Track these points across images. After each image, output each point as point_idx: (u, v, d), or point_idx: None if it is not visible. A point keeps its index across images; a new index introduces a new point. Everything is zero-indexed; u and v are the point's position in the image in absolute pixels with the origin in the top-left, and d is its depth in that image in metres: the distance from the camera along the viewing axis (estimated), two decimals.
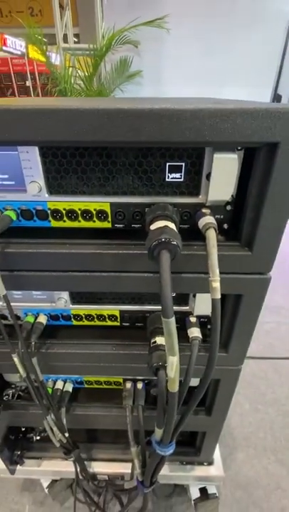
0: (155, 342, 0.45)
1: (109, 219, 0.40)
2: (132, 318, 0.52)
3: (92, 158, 0.37)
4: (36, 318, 0.50)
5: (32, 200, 0.39)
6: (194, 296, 0.47)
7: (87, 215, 0.40)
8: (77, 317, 0.51)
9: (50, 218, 0.40)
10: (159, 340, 0.45)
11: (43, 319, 0.50)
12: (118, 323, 0.52)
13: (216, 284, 0.33)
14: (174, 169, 0.37)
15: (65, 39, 2.52)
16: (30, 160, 0.36)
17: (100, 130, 0.31)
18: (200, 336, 0.47)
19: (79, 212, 0.40)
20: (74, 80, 2.28)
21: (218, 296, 0.33)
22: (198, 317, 0.49)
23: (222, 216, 0.40)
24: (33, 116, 0.31)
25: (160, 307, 0.49)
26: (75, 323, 0.52)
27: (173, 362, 0.32)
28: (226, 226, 0.40)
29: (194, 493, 0.77)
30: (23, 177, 0.37)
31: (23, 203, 0.39)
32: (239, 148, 0.35)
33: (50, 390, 0.58)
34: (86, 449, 0.72)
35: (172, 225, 0.34)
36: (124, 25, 2.10)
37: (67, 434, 0.59)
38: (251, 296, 0.42)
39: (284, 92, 2.68)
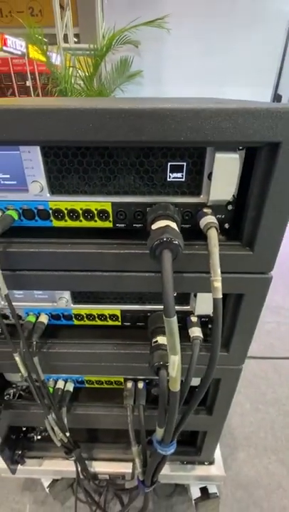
0: (156, 341, 0.45)
1: (111, 219, 0.40)
2: (133, 317, 0.52)
3: (94, 158, 0.37)
4: (38, 317, 0.50)
5: (34, 199, 0.39)
6: (195, 295, 0.47)
7: (88, 214, 0.40)
8: (79, 317, 0.52)
9: (52, 218, 0.40)
10: (160, 339, 0.45)
11: (44, 319, 0.50)
12: (119, 323, 0.52)
13: (218, 284, 0.33)
14: (176, 169, 0.37)
15: (66, 39, 2.52)
16: (32, 160, 0.36)
17: (101, 130, 0.31)
18: (201, 335, 0.47)
19: (80, 212, 0.40)
20: (74, 79, 2.28)
21: (220, 295, 0.33)
22: (199, 317, 0.49)
23: (223, 216, 0.40)
24: (35, 116, 0.31)
25: (161, 307, 0.49)
26: (76, 322, 0.52)
27: (175, 361, 0.32)
28: (227, 226, 0.40)
29: (195, 492, 0.77)
30: (24, 177, 0.37)
31: (25, 202, 0.39)
32: (240, 148, 0.35)
33: (51, 390, 0.58)
34: (87, 448, 0.72)
35: (174, 225, 0.34)
36: (124, 25, 2.10)
37: (68, 434, 0.59)
38: (252, 295, 0.42)
39: (284, 92, 2.68)
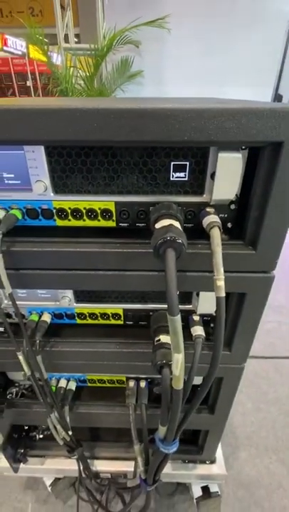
0: (159, 340, 0.45)
1: (114, 218, 0.41)
2: (135, 316, 0.52)
3: (97, 158, 0.37)
4: (40, 316, 0.50)
5: (37, 199, 0.39)
6: (198, 294, 0.47)
7: (92, 214, 0.40)
8: (81, 316, 0.52)
9: (56, 217, 0.41)
10: (163, 338, 0.45)
11: (47, 318, 0.50)
12: (122, 322, 0.53)
13: (221, 283, 0.33)
14: (179, 168, 0.37)
15: (66, 39, 2.52)
16: (36, 159, 0.36)
17: (105, 130, 0.32)
18: (203, 334, 0.47)
19: (84, 211, 0.40)
20: (75, 80, 2.28)
21: (223, 294, 0.33)
22: (202, 316, 0.49)
23: (226, 215, 0.40)
24: (39, 115, 0.32)
25: (163, 306, 0.50)
26: (78, 321, 0.52)
27: (178, 359, 0.32)
28: (229, 225, 0.41)
29: (196, 491, 0.77)
30: (28, 176, 0.38)
31: (29, 202, 0.40)
32: (243, 147, 0.35)
33: (53, 389, 0.59)
34: (89, 447, 0.72)
35: (177, 224, 0.34)
36: (125, 25, 2.11)
37: (70, 432, 0.59)
38: (255, 294, 0.42)
39: (285, 92, 2.68)
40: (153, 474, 0.53)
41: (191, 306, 0.50)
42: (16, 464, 0.69)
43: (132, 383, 0.59)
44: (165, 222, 0.34)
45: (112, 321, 0.52)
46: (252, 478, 0.91)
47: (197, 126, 0.31)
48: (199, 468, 0.73)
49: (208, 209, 0.38)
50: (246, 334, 0.47)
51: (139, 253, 0.40)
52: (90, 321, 0.52)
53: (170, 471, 0.72)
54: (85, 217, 0.41)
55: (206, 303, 0.47)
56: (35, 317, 0.50)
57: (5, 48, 4.78)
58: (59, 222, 0.41)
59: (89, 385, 0.63)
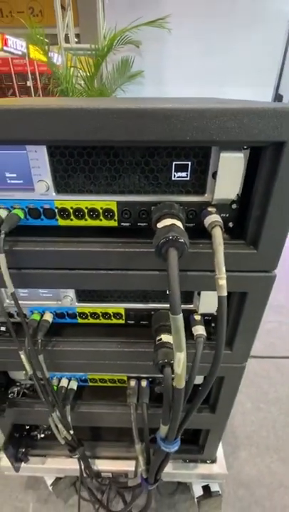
0: (160, 339, 0.45)
1: (116, 217, 0.41)
2: (136, 316, 0.52)
3: (99, 158, 0.37)
4: (42, 316, 0.50)
5: (40, 198, 0.39)
6: (199, 294, 0.48)
7: (93, 213, 0.40)
8: (83, 315, 0.52)
9: (58, 217, 0.41)
10: (165, 337, 0.45)
11: (49, 317, 0.50)
12: (123, 321, 0.53)
13: (223, 282, 0.33)
14: (180, 168, 0.38)
15: (66, 39, 2.52)
16: (39, 159, 0.37)
17: (107, 129, 0.32)
18: (204, 333, 0.47)
19: (86, 210, 0.40)
20: (75, 80, 2.29)
21: (225, 293, 0.33)
22: (203, 315, 0.50)
23: (227, 215, 0.40)
24: (42, 115, 0.32)
25: (165, 305, 0.50)
26: (80, 321, 0.53)
27: (180, 358, 0.32)
28: (231, 225, 0.41)
29: (197, 490, 0.78)
30: (31, 176, 0.38)
31: (31, 201, 0.40)
32: (245, 147, 0.35)
33: (55, 388, 0.59)
34: (90, 446, 0.72)
35: (179, 223, 0.34)
36: (125, 25, 2.11)
37: (72, 432, 0.59)
38: (256, 293, 0.42)
39: (285, 92, 2.68)
40: (154, 473, 0.53)
41: (192, 305, 0.50)
42: (18, 463, 0.69)
43: (133, 382, 0.59)
44: (167, 221, 0.34)
45: (114, 321, 0.53)
46: (253, 477, 0.91)
47: (199, 126, 0.31)
48: (200, 468, 0.73)
49: (209, 208, 0.38)
50: (247, 333, 0.48)
51: (140, 252, 0.40)
52: (91, 321, 0.53)
53: (171, 471, 0.72)
54: (86, 216, 0.41)
55: (208, 302, 0.47)
56: (37, 316, 0.50)
57: (5, 48, 4.79)
58: (61, 222, 0.41)
59: (90, 384, 0.64)
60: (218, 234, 0.34)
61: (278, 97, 2.65)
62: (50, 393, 0.52)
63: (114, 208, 0.40)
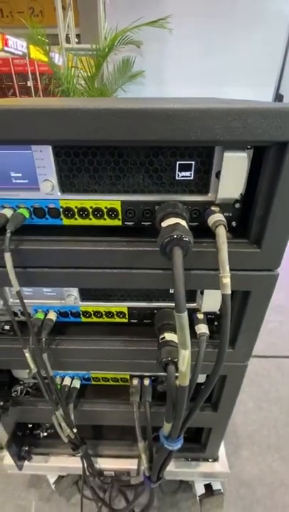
0: (164, 338, 0.46)
1: (120, 217, 0.41)
2: (140, 315, 0.53)
3: (104, 157, 0.38)
4: (46, 315, 0.51)
5: (45, 198, 0.40)
6: (202, 293, 0.48)
7: (98, 213, 0.41)
8: (86, 314, 0.52)
9: (62, 216, 0.41)
10: (168, 336, 0.46)
11: (52, 316, 0.50)
12: (126, 320, 0.53)
13: (227, 280, 0.33)
14: (184, 168, 0.38)
15: (67, 39, 2.53)
16: (44, 159, 0.37)
17: (113, 129, 0.32)
18: (207, 332, 0.47)
19: (90, 210, 0.41)
20: (76, 80, 2.29)
21: (229, 291, 0.34)
22: (206, 314, 0.50)
23: (230, 214, 0.40)
24: (48, 115, 0.32)
25: (168, 304, 0.51)
26: (83, 320, 0.53)
27: (185, 355, 0.32)
28: (234, 224, 0.41)
29: (199, 489, 0.78)
30: (36, 176, 0.38)
31: (36, 201, 0.40)
32: (249, 147, 0.36)
33: (58, 387, 0.59)
34: (92, 445, 0.73)
35: (183, 223, 0.35)
36: (126, 25, 2.11)
37: (75, 430, 0.60)
38: (259, 292, 0.43)
39: (286, 91, 2.68)
40: (157, 471, 0.53)
41: (195, 304, 0.50)
42: (21, 461, 0.70)
43: (135, 381, 0.60)
44: (171, 220, 0.35)
45: (117, 319, 0.53)
46: (254, 476, 0.91)
47: (203, 126, 0.32)
48: (202, 466, 0.73)
49: (213, 208, 0.38)
50: (250, 332, 0.48)
51: (144, 251, 0.40)
52: (94, 319, 0.53)
53: (173, 469, 0.72)
54: (91, 216, 0.41)
55: (211, 301, 0.48)
56: (40, 315, 0.50)
57: (6, 49, 4.80)
58: (66, 221, 0.42)
59: (93, 383, 0.64)
60: (222, 233, 0.35)
61: (279, 97, 2.66)
62: (53, 391, 0.53)
63: (119, 208, 0.40)
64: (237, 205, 0.40)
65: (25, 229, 0.40)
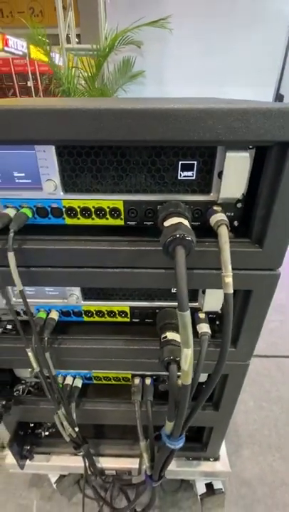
0: (166, 337, 0.46)
1: (122, 216, 0.41)
2: (141, 314, 0.53)
3: (107, 157, 0.38)
4: (48, 314, 0.51)
5: (47, 198, 0.40)
6: (204, 292, 0.48)
7: (100, 212, 0.41)
8: (88, 313, 0.52)
9: (65, 216, 0.41)
10: (170, 335, 0.46)
11: (55, 315, 0.51)
12: (128, 319, 0.53)
13: (229, 279, 0.33)
14: (187, 167, 0.38)
15: (67, 39, 2.53)
16: (47, 159, 0.37)
17: (117, 130, 0.32)
18: (209, 331, 0.47)
19: (93, 210, 0.41)
20: (77, 80, 2.29)
21: (231, 291, 0.34)
22: (207, 313, 0.50)
23: (232, 213, 0.40)
24: (50, 115, 0.32)
25: (169, 303, 0.51)
26: (86, 319, 0.53)
27: (187, 354, 0.32)
28: (236, 223, 0.41)
29: (200, 488, 0.78)
30: (39, 175, 0.38)
31: (39, 200, 0.40)
32: (251, 147, 0.36)
33: (60, 386, 0.59)
34: (94, 444, 0.73)
35: (186, 222, 0.35)
36: (126, 25, 2.11)
37: (77, 429, 0.60)
38: (261, 291, 0.43)
39: (286, 91, 2.68)
40: (159, 470, 0.53)
41: (197, 303, 0.50)
42: (22, 460, 0.70)
43: (137, 380, 0.60)
44: (174, 220, 0.35)
45: (119, 319, 0.53)
46: (255, 475, 0.92)
47: (206, 126, 0.32)
48: (203, 466, 0.74)
49: (215, 207, 0.39)
50: (252, 331, 0.48)
51: (147, 251, 0.40)
52: (96, 319, 0.53)
53: (174, 468, 0.72)
54: (93, 215, 0.41)
55: (212, 300, 0.48)
56: (43, 315, 0.50)
57: (6, 49, 4.80)
58: (68, 221, 0.42)
59: (95, 382, 0.64)
60: (224, 232, 0.35)
61: (279, 97, 2.66)
62: (56, 391, 0.53)
63: (121, 207, 0.41)
64: (239, 205, 0.40)
65: (28, 228, 0.40)
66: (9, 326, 0.52)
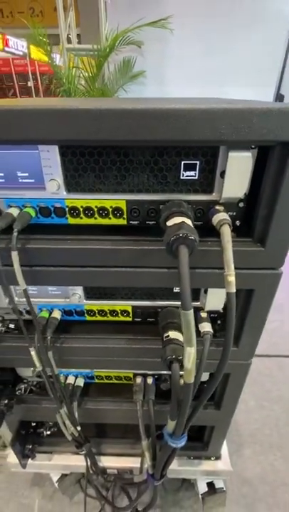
0: (168, 336, 0.46)
1: (125, 216, 0.42)
2: (143, 313, 0.53)
3: (110, 157, 0.38)
4: (51, 313, 0.51)
5: (51, 197, 0.40)
6: (205, 291, 0.48)
7: (103, 212, 0.41)
8: (91, 313, 0.53)
9: (68, 215, 0.42)
10: (172, 334, 0.46)
11: (57, 314, 0.51)
12: (130, 319, 0.54)
13: (232, 278, 0.34)
14: (189, 167, 0.38)
15: (68, 39, 2.53)
16: (50, 159, 0.37)
17: (121, 130, 0.33)
18: (211, 330, 0.48)
19: (95, 209, 0.41)
20: (77, 80, 2.29)
21: (234, 290, 0.34)
22: (209, 312, 0.50)
23: (234, 213, 0.41)
24: (53, 115, 0.33)
25: (171, 303, 0.51)
26: (88, 318, 0.53)
27: (190, 353, 0.33)
28: (238, 223, 0.41)
29: (202, 487, 0.78)
30: (42, 175, 0.38)
31: (42, 200, 0.40)
32: (253, 146, 0.36)
33: (62, 385, 0.59)
34: (95, 443, 0.73)
35: (188, 221, 0.35)
36: (127, 25, 2.11)
37: (79, 428, 0.60)
38: (263, 290, 0.43)
39: (286, 91, 2.68)
40: (161, 469, 0.54)
41: (198, 303, 0.50)
42: (25, 459, 0.70)
43: (139, 380, 0.60)
44: (177, 219, 0.35)
45: (121, 318, 0.53)
46: (256, 474, 0.92)
47: (210, 126, 0.32)
48: (205, 465, 0.74)
49: (217, 207, 0.39)
50: (253, 330, 0.48)
51: (149, 250, 0.40)
52: (99, 318, 0.53)
53: (176, 467, 0.73)
54: (96, 215, 0.42)
55: (214, 300, 0.48)
56: (45, 314, 0.51)
57: (6, 49, 4.81)
58: (71, 221, 0.42)
59: (96, 381, 0.64)
60: (226, 231, 0.35)
61: (280, 97, 2.66)
62: (58, 389, 0.53)
63: (124, 207, 0.41)
64: (241, 204, 0.40)
65: (31, 228, 0.40)
66: (12, 325, 0.52)
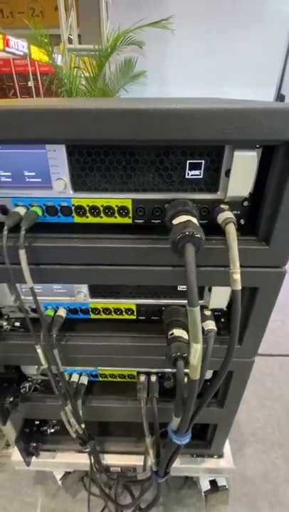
0: (173, 334, 0.46)
1: (130, 215, 0.42)
2: (148, 311, 0.53)
3: (116, 157, 0.38)
4: (56, 311, 0.51)
5: (57, 196, 0.41)
6: (209, 290, 0.49)
7: (109, 211, 0.42)
8: (96, 311, 0.53)
9: (74, 214, 0.42)
10: (177, 332, 0.47)
11: (62, 313, 0.51)
12: (134, 317, 0.54)
13: (237, 276, 0.34)
14: (194, 166, 0.39)
15: (68, 40, 2.53)
16: (57, 158, 0.38)
17: (127, 129, 0.33)
18: (215, 328, 0.48)
19: (101, 208, 0.42)
20: (78, 80, 2.30)
21: (239, 287, 0.34)
22: (213, 310, 0.51)
23: (239, 212, 0.41)
24: (64, 115, 0.33)
25: (176, 301, 0.51)
26: (93, 316, 0.54)
27: (197, 349, 0.33)
28: (242, 221, 0.42)
29: (204, 485, 0.79)
30: (49, 174, 0.39)
31: (49, 199, 0.41)
32: (258, 146, 0.36)
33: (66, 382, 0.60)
34: (99, 441, 0.73)
35: (194, 220, 0.35)
36: (128, 25, 2.12)
37: (83, 425, 0.60)
38: (267, 289, 0.43)
39: (287, 91, 2.69)
40: (164, 466, 0.54)
41: (202, 301, 0.51)
42: (29, 457, 0.71)
43: (143, 378, 0.60)
44: (182, 218, 0.35)
45: (126, 316, 0.54)
46: (258, 473, 0.92)
47: (215, 126, 0.32)
48: (207, 463, 0.74)
49: (222, 206, 0.39)
50: (257, 328, 0.49)
51: (155, 249, 0.41)
52: (103, 316, 0.54)
53: (179, 465, 0.73)
54: (102, 214, 0.42)
55: (218, 298, 0.49)
56: (50, 312, 0.51)
57: (7, 49, 4.81)
58: (77, 219, 0.42)
59: (100, 379, 0.65)
60: (232, 230, 0.36)
61: (280, 97, 2.66)
62: (63, 387, 0.53)
63: (129, 206, 0.41)
64: (245, 203, 0.40)
65: (37, 227, 0.41)
66: (17, 324, 0.52)
